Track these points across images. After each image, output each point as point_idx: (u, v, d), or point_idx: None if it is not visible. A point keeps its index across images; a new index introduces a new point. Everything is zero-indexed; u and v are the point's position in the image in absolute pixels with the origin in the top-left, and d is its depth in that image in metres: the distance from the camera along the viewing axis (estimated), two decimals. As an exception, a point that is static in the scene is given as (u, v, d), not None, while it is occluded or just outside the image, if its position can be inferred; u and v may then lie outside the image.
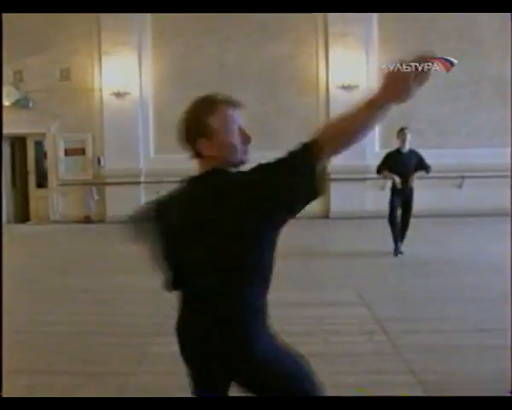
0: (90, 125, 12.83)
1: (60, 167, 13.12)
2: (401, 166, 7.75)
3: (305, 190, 1.67)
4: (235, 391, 1.89)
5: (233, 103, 1.89)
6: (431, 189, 11.02)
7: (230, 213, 1.71)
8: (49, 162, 13.31)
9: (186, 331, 1.89)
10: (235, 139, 1.85)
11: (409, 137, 7.77)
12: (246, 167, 1.80)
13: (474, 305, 5.25)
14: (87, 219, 12.86)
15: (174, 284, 1.98)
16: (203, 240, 1.78)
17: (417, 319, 4.88)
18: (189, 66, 12.58)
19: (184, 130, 1.87)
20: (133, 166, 12.71)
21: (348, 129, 1.68)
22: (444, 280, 6.35)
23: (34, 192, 13.75)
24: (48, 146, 13.25)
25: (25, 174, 13.76)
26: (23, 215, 13.72)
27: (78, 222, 12.68)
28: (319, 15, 12.35)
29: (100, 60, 12.73)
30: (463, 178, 12.10)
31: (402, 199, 7.84)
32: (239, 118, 1.89)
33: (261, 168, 1.70)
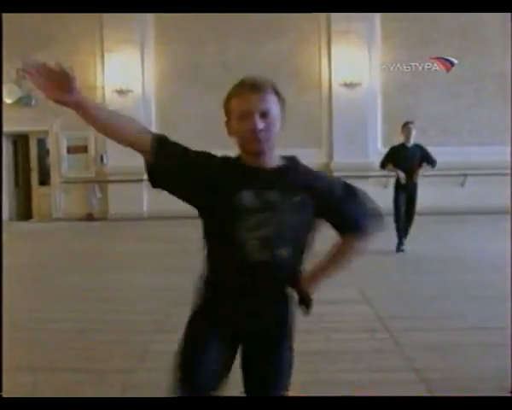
0: (93, 122, 12.82)
1: (62, 165, 13.14)
2: (405, 160, 7.66)
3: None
4: (235, 392, 1.89)
5: (253, 87, 1.83)
6: (433, 186, 11.00)
7: (298, 204, 1.85)
8: (51, 160, 13.33)
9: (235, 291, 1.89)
10: (245, 126, 1.80)
11: (414, 132, 7.68)
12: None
13: (476, 303, 5.24)
14: (89, 217, 12.87)
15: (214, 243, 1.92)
16: (271, 220, 1.82)
17: (419, 317, 4.88)
18: (191, 63, 12.57)
19: None
20: (135, 163, 12.45)
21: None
22: (445, 278, 6.34)
23: (37, 190, 13.78)
24: (50, 144, 13.26)
25: (27, 172, 13.78)
26: (25, 213, 13.75)
27: (80, 220, 12.69)
28: (322, 13, 12.33)
29: (102, 57, 12.73)
30: (466, 175, 12.09)
31: (406, 195, 7.77)
32: (260, 102, 1.81)
33: (333, 184, 1.97)
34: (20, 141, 13.70)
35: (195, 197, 1.86)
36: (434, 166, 7.78)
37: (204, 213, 1.90)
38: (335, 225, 1.98)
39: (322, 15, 12.38)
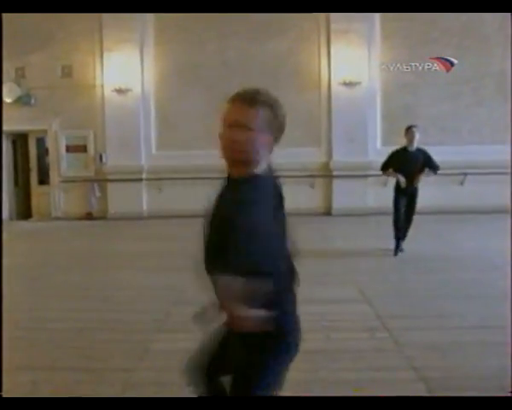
0: (92, 121, 12.82)
1: (61, 164, 13.12)
2: (407, 164, 7.50)
3: None
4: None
5: (239, 97, 1.88)
6: (433, 186, 10.97)
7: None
8: (50, 159, 13.31)
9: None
10: (224, 136, 1.88)
11: (417, 136, 7.49)
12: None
13: (476, 302, 5.25)
14: (89, 216, 12.87)
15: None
16: (284, 230, 2.02)
17: (419, 316, 4.89)
18: (190, 62, 12.55)
19: None
20: (135, 162, 12.70)
21: None
22: (445, 277, 6.35)
23: (36, 189, 13.76)
24: (49, 143, 13.24)
25: (27, 171, 13.76)
26: (25, 212, 13.74)
27: (79, 219, 12.69)
28: (321, 13, 12.30)
29: (101, 57, 12.70)
30: (465, 174, 12.08)
31: (406, 199, 7.65)
32: (233, 113, 1.86)
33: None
34: (20, 140, 13.69)
35: None
36: (437, 171, 7.63)
37: None
38: None
39: (322, 15, 12.36)
